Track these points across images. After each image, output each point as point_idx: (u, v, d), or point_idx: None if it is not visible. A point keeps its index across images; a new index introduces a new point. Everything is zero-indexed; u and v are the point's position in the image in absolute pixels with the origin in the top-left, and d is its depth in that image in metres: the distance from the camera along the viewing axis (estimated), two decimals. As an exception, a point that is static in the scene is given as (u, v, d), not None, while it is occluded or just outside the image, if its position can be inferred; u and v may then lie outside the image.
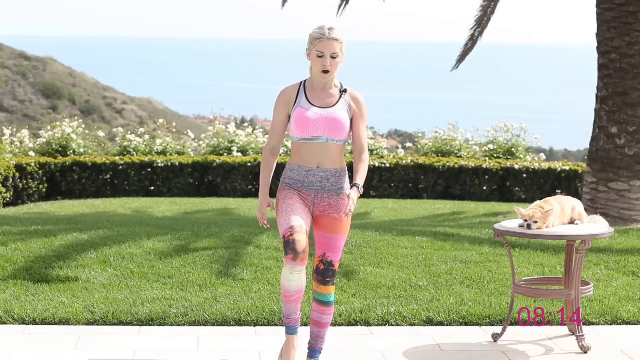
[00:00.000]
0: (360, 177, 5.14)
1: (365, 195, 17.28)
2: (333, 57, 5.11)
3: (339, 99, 5.19)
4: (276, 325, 6.32)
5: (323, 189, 5.16)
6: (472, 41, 13.17)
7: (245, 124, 20.24)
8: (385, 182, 17.50)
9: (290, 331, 5.20)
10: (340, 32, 5.13)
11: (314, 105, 5.15)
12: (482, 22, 13.01)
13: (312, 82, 5.21)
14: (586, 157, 12.34)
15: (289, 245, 4.95)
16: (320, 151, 5.14)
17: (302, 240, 4.95)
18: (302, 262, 4.96)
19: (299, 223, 5.02)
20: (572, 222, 6.06)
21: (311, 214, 5.18)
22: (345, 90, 5.22)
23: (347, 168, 5.27)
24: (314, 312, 5.27)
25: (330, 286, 5.18)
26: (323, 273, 5.16)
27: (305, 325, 6.03)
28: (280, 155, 17.49)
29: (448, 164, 17.46)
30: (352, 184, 5.11)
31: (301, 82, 5.24)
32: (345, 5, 14.16)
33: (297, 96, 5.18)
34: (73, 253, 7.98)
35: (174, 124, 20.41)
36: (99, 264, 7.67)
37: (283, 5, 14.05)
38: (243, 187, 17.36)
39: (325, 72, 5.11)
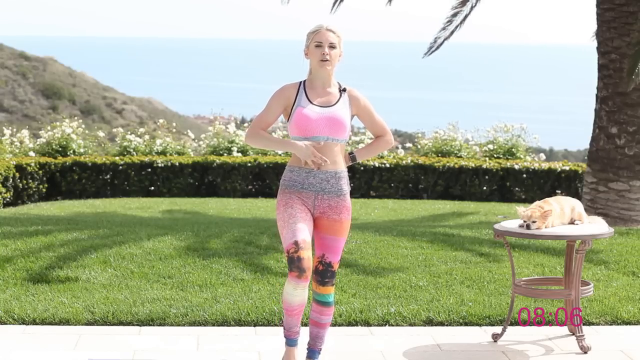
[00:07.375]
0: (363, 151, 5.30)
1: (365, 195, 17.26)
2: (331, 47, 5.10)
3: (339, 98, 5.17)
4: (276, 325, 6.32)
5: (323, 190, 5.14)
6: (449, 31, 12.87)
7: (245, 124, 20.24)
8: (385, 182, 17.48)
9: (291, 343, 5.20)
10: (338, 27, 5.14)
11: (314, 104, 5.11)
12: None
13: (311, 82, 5.17)
14: (586, 157, 12.34)
15: (293, 263, 4.92)
16: (321, 152, 5.10)
17: (307, 258, 4.92)
18: (307, 279, 4.95)
19: (303, 237, 4.97)
20: (571, 222, 6.06)
21: (312, 217, 5.15)
22: (344, 90, 5.20)
23: (346, 170, 5.27)
24: (313, 313, 5.26)
25: (329, 286, 5.17)
26: (322, 274, 5.15)
27: (305, 325, 6.03)
28: (280, 155, 17.48)
29: (448, 164, 17.46)
30: (350, 152, 5.26)
31: (300, 82, 5.19)
32: (339, 2, 14.08)
33: (297, 95, 5.13)
34: (73, 253, 7.98)
35: (174, 124, 20.40)
36: (99, 264, 7.67)
37: (287, 1, 13.87)
38: (243, 187, 17.34)
39: (324, 60, 5.08)
